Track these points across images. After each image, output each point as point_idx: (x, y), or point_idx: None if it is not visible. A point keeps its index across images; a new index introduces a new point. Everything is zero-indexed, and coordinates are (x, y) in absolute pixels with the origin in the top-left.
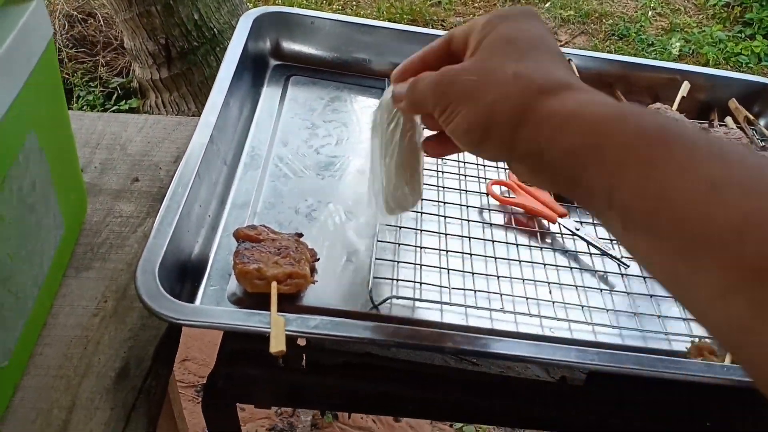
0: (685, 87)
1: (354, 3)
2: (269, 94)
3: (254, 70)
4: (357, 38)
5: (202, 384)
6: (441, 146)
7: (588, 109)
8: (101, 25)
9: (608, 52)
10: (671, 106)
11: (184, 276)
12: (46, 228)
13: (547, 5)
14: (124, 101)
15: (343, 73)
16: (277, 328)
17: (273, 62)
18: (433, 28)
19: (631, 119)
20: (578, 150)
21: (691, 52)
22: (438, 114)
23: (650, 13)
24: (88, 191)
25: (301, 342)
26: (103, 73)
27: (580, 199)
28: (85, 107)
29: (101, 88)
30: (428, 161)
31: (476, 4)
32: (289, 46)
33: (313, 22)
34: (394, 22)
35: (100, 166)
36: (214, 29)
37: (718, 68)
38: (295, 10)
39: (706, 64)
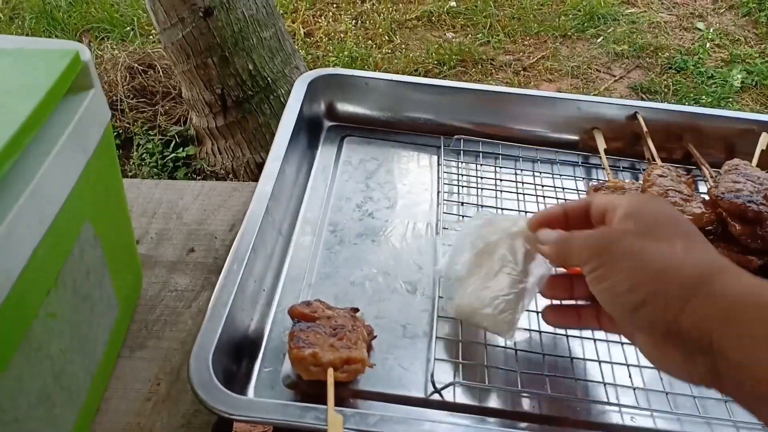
0: (763, 139)
1: (403, 46)
2: (324, 156)
3: (309, 132)
4: (411, 97)
5: None
6: (563, 289)
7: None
8: (161, 76)
9: (665, 86)
10: (750, 162)
11: (239, 357)
12: (99, 314)
13: (599, 40)
14: (181, 148)
15: (397, 131)
16: (335, 427)
17: (327, 123)
18: (482, 67)
19: None
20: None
21: (754, 83)
22: (589, 270)
23: (708, 44)
24: (143, 263)
25: None
26: (162, 121)
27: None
28: (144, 155)
29: (160, 136)
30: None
31: (526, 43)
32: (344, 107)
33: (368, 83)
34: (443, 63)
35: (156, 236)
36: (268, 78)
37: None
38: (350, 71)
39: None
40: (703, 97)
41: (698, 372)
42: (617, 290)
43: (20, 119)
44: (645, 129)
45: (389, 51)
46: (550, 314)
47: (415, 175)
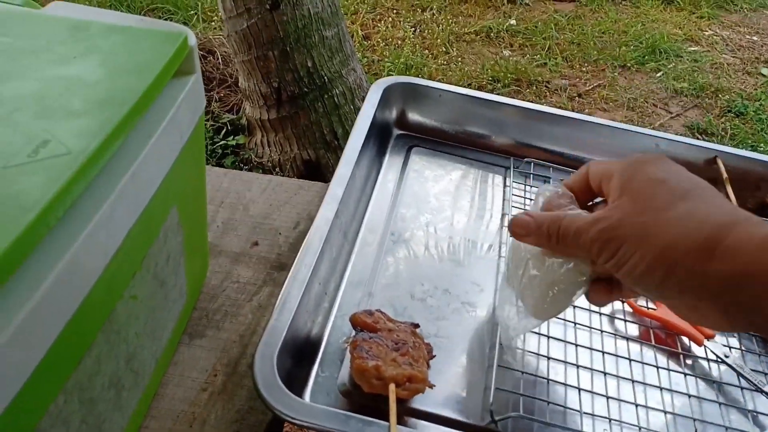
0: None
1: (459, 59)
2: (391, 164)
3: (379, 138)
4: (483, 113)
5: None
6: (606, 293)
7: None
8: (219, 63)
9: (722, 129)
10: None
11: (299, 359)
12: (171, 300)
13: (659, 75)
14: (231, 137)
15: (465, 147)
16: None
17: (396, 131)
18: (536, 88)
19: None
20: None
21: None
22: (606, 259)
23: None
24: (209, 252)
25: None
26: (216, 108)
27: None
28: None
29: (212, 122)
30: None
31: (584, 69)
32: (414, 116)
33: (441, 95)
34: (498, 80)
35: (222, 225)
36: (325, 77)
37: None
38: (425, 81)
39: None
40: (762, 144)
41: (739, 323)
42: (636, 273)
43: (132, 100)
44: (725, 175)
45: (444, 62)
46: (593, 295)
47: (481, 193)
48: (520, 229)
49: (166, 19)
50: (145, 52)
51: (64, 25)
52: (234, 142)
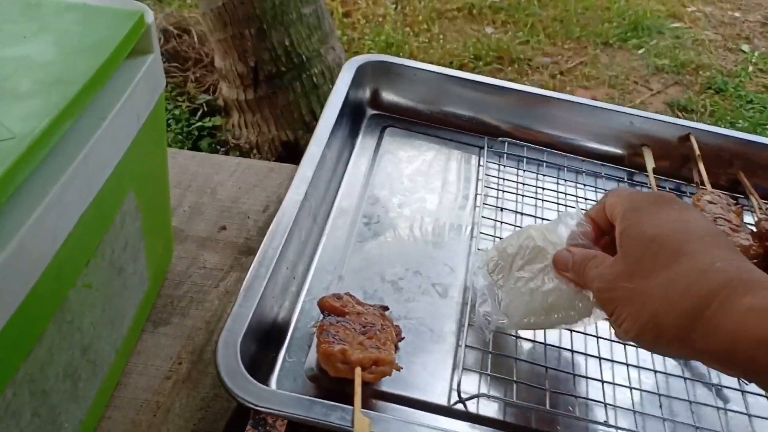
0: None
1: (441, 36)
2: (364, 145)
3: (352, 118)
4: (458, 92)
5: None
6: None
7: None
8: (195, 42)
9: (702, 105)
10: None
11: (265, 344)
12: (131, 287)
13: (641, 52)
14: (208, 118)
15: (439, 127)
16: (361, 430)
17: (370, 111)
18: (518, 66)
19: None
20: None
21: None
22: (608, 315)
23: (751, 68)
24: (175, 237)
25: None
26: (192, 88)
27: None
28: (170, 120)
29: (188, 103)
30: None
31: (566, 46)
32: (388, 96)
33: (416, 73)
34: (479, 58)
35: (189, 210)
36: (303, 56)
37: None
38: (399, 59)
39: None
40: (740, 121)
41: (735, 372)
42: (631, 335)
43: (83, 80)
44: (697, 152)
45: (426, 40)
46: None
47: (454, 173)
48: (561, 265)
49: None
50: (100, 31)
51: (16, 3)
52: (210, 124)
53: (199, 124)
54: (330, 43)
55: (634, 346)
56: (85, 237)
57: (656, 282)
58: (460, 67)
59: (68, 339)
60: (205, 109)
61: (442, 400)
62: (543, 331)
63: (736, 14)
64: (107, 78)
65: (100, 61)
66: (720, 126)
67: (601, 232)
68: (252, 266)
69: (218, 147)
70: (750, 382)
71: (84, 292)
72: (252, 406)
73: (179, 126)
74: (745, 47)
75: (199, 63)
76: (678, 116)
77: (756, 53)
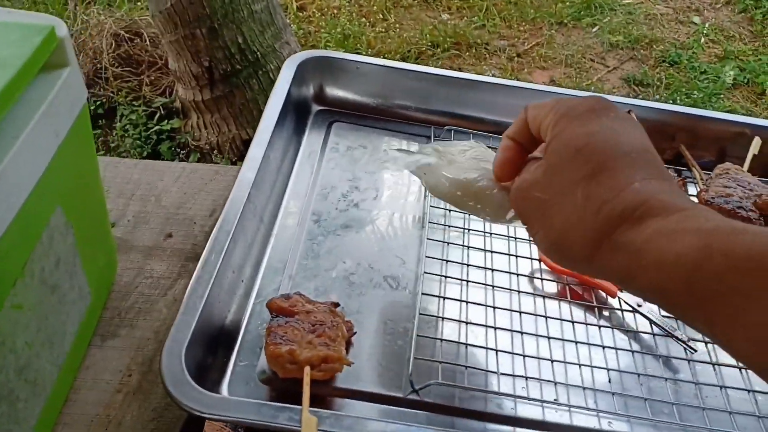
0: (756, 143)
1: (397, 25)
2: (311, 141)
3: (297, 116)
4: (402, 83)
5: None
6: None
7: (669, 242)
8: (147, 45)
9: (658, 79)
10: (742, 166)
11: (214, 350)
12: (69, 303)
13: (595, 29)
14: (166, 121)
15: (387, 119)
16: (309, 429)
17: (316, 107)
18: (476, 51)
19: (717, 249)
20: (664, 285)
21: (746, 81)
22: (522, 223)
23: (703, 39)
24: (119, 247)
25: None
26: (147, 92)
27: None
28: (128, 126)
29: (144, 107)
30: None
31: (521, 28)
32: (333, 91)
33: (358, 67)
34: (437, 45)
35: (134, 219)
36: (258, 53)
37: None
38: (340, 54)
39: (762, 94)
40: (695, 92)
41: (637, 292)
42: (541, 249)
43: None
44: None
45: (383, 30)
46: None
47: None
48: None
49: (88, 2)
50: (8, 47)
51: None
52: (169, 127)
53: (158, 127)
54: (284, 38)
55: (582, 323)
56: (8, 258)
57: (571, 199)
58: (419, 55)
59: (0, 361)
60: (163, 112)
61: (397, 392)
62: (493, 314)
63: None
64: (16, 95)
65: (7, 78)
66: (677, 97)
67: (525, 151)
68: (195, 273)
69: (178, 150)
70: (651, 302)
71: (14, 313)
72: (199, 414)
73: (137, 131)
74: (696, 19)
75: (154, 66)
76: (635, 90)
77: (707, 24)
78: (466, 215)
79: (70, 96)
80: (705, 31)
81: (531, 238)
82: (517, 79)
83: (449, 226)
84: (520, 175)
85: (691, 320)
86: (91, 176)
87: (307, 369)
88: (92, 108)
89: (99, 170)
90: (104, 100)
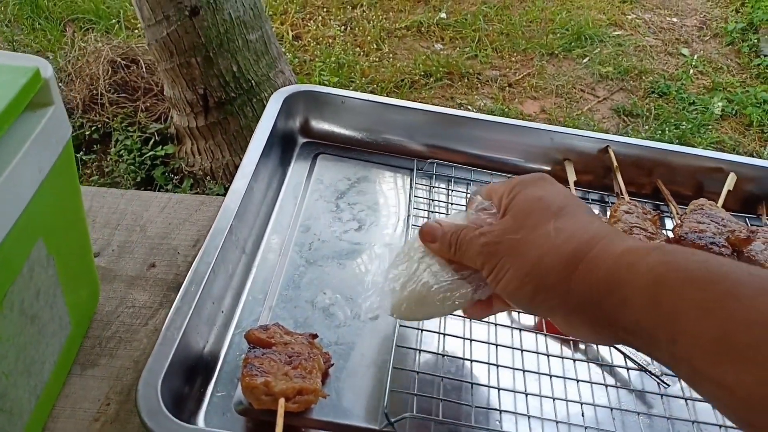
0: (731, 180)
1: (391, 55)
2: (295, 173)
3: (282, 147)
4: (387, 117)
5: None
6: (484, 309)
7: (639, 257)
8: (143, 72)
9: (647, 109)
10: (716, 201)
11: (191, 380)
12: (49, 334)
13: (585, 60)
14: (160, 147)
15: (371, 151)
16: None
17: (301, 140)
18: (468, 81)
19: (677, 264)
20: (636, 302)
21: (734, 112)
22: (487, 273)
23: (691, 71)
24: (102, 277)
25: None
26: (142, 118)
27: (646, 349)
28: (122, 151)
29: (139, 133)
30: None
31: (513, 59)
32: (319, 124)
33: (344, 101)
34: (430, 74)
35: (118, 249)
36: (252, 81)
37: (763, 130)
38: (326, 89)
39: (750, 125)
40: (684, 123)
41: (606, 336)
42: (511, 288)
43: None
44: (615, 163)
45: (377, 59)
46: (471, 311)
47: (386, 197)
48: (427, 235)
49: (86, 30)
50: None
51: None
52: (163, 152)
53: (152, 153)
54: (279, 66)
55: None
56: None
57: (542, 232)
58: (412, 85)
59: None
60: (157, 138)
61: (372, 424)
62: (470, 347)
63: (674, 20)
64: (1, 133)
65: None
66: (665, 128)
67: None
68: (174, 304)
69: (172, 175)
70: (623, 333)
71: None
72: None
73: (131, 156)
74: (685, 51)
75: (149, 92)
76: (624, 121)
77: (695, 56)
78: None
79: (54, 133)
80: (693, 63)
81: (494, 285)
82: (509, 109)
83: None
84: (480, 232)
85: (656, 344)
86: (73, 209)
87: (281, 401)
88: (87, 133)
89: (82, 203)
90: (99, 126)
